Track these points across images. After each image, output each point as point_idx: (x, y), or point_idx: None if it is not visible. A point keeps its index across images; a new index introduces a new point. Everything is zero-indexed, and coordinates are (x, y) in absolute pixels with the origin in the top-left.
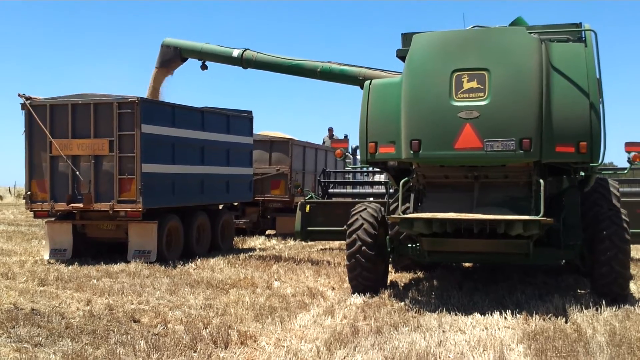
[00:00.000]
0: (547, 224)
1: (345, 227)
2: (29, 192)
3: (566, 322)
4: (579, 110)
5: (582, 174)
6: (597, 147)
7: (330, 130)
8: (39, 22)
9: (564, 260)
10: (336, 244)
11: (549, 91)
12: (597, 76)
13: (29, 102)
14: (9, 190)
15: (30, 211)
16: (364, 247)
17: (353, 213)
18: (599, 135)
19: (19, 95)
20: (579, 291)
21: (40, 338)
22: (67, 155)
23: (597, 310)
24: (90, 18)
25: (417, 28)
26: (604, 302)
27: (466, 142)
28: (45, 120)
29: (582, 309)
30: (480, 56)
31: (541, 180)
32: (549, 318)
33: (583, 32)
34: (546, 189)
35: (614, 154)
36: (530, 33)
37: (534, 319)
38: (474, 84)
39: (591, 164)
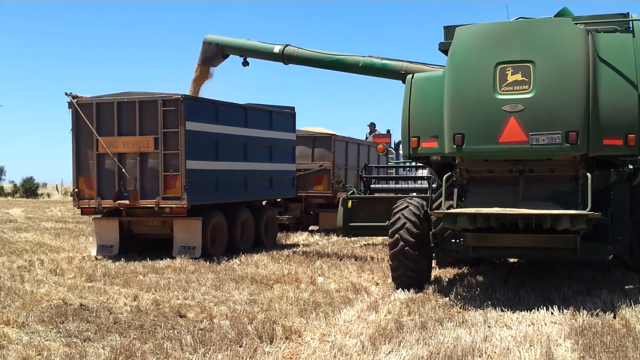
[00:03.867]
0: (595, 219)
1: (387, 223)
2: (76, 190)
3: (614, 317)
4: (627, 102)
5: (631, 167)
6: None
7: (372, 125)
8: (86, 22)
9: (611, 255)
10: (379, 239)
11: (596, 83)
12: None
13: (75, 100)
14: (57, 187)
15: (78, 208)
16: (407, 248)
17: (395, 211)
18: None
19: (66, 94)
20: (627, 286)
21: (89, 333)
22: (113, 153)
23: None
24: (132, 19)
25: (460, 21)
26: None
27: (511, 135)
28: (92, 119)
29: (630, 304)
30: (525, 48)
31: (588, 174)
32: (597, 313)
33: (631, 22)
34: (593, 183)
35: None
36: (577, 24)
37: (581, 314)
38: (518, 77)
39: None
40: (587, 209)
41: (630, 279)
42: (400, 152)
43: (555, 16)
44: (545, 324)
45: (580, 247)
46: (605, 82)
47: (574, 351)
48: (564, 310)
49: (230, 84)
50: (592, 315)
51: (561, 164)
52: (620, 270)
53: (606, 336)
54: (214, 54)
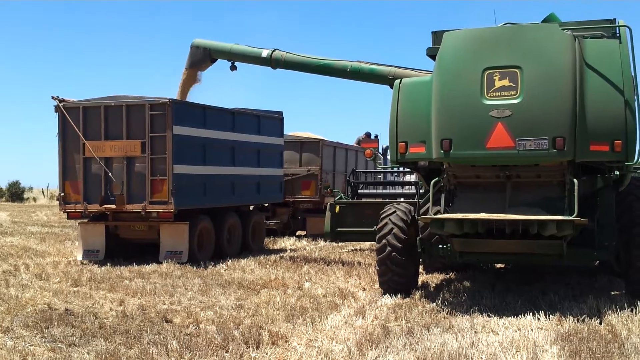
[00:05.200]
0: (581, 225)
1: (375, 228)
2: (62, 194)
3: (600, 323)
4: (614, 108)
5: (617, 173)
6: (633, 146)
7: (367, 135)
8: (71, 25)
9: (598, 261)
10: (366, 244)
11: (583, 89)
12: (632, 73)
13: (62, 104)
14: (43, 191)
15: (64, 212)
16: (394, 253)
17: (382, 216)
18: (634, 134)
19: (52, 97)
20: (613, 292)
21: (74, 338)
22: (99, 157)
23: (631, 311)
24: (118, 21)
25: (447, 26)
26: (638, 303)
27: (498, 141)
28: (79, 122)
29: (616, 310)
30: (512, 54)
31: (575, 180)
32: (583, 319)
33: (617, 28)
34: (580, 189)
35: None
36: (564, 29)
37: (567, 320)
38: (505, 82)
39: (626, 163)
40: (574, 215)
41: (617, 285)
42: (388, 157)
43: (542, 22)
44: (532, 330)
45: (567, 253)
46: (592, 88)
47: (560, 357)
48: (551, 315)
49: (218, 89)
50: (578, 321)
51: (548, 169)
52: (606, 276)
53: (592, 342)
54: (201, 58)
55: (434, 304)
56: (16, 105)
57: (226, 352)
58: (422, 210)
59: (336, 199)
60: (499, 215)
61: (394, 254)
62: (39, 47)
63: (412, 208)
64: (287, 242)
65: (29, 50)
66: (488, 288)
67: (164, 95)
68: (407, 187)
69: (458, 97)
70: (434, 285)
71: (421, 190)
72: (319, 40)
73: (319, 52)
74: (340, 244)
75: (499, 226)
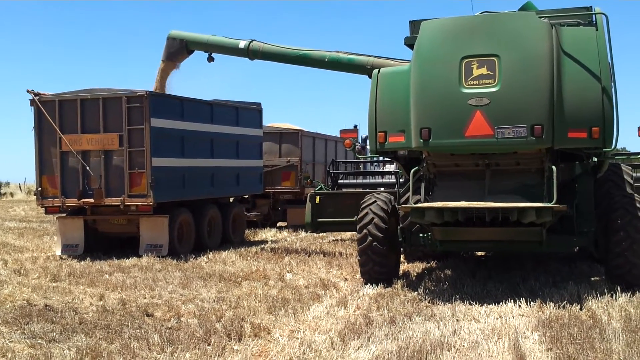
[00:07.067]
0: (560, 211)
1: (355, 218)
2: (39, 188)
3: (581, 309)
4: (591, 95)
5: (595, 159)
6: (610, 132)
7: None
8: (47, 19)
9: (577, 248)
10: (347, 234)
11: (560, 76)
12: (609, 60)
13: (37, 98)
14: (20, 186)
15: (41, 207)
16: (375, 243)
17: (363, 206)
18: (612, 120)
19: (27, 91)
20: (593, 278)
21: (54, 334)
22: (77, 151)
23: (611, 296)
24: (96, 15)
25: (425, 15)
26: (618, 289)
27: (477, 129)
28: (55, 116)
29: (596, 296)
30: (489, 42)
31: (553, 167)
32: (564, 305)
33: (594, 15)
34: (558, 176)
35: (627, 139)
36: (540, 17)
37: (548, 306)
38: (483, 71)
39: (604, 150)
40: (553, 202)
41: (596, 271)
42: (368, 146)
43: (519, 10)
44: (513, 317)
45: (546, 240)
46: (569, 75)
47: (542, 343)
48: (531, 302)
49: (196, 80)
50: (559, 307)
51: (527, 157)
52: (585, 262)
53: (573, 328)
54: (178, 50)
55: (416, 293)
56: None
57: (208, 345)
58: (402, 200)
59: (316, 189)
60: (478, 203)
61: (375, 243)
62: (14, 40)
63: (392, 197)
64: (267, 234)
65: (3, 43)
66: (469, 276)
67: (142, 87)
68: (387, 176)
69: (436, 86)
70: (415, 274)
71: (401, 180)
72: (297, 30)
73: (297, 42)
74: (321, 234)
75: (479, 214)
